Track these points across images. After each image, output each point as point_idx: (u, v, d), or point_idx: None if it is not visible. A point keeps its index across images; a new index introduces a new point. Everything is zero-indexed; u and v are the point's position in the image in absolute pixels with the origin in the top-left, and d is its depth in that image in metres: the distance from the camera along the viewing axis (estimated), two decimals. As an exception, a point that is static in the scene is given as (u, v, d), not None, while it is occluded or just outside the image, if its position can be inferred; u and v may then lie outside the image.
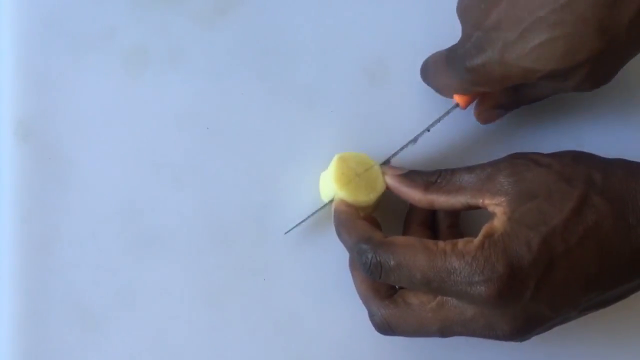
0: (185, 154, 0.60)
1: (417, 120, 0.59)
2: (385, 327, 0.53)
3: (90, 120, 0.60)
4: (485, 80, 0.53)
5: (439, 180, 0.53)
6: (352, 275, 0.55)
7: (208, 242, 0.58)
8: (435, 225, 0.58)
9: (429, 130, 0.58)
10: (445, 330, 0.51)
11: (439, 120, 0.58)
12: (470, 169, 0.53)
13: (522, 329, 0.50)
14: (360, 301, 0.57)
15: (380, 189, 0.56)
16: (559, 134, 0.60)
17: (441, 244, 0.49)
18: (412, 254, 0.49)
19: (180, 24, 0.61)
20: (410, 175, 0.55)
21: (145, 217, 0.59)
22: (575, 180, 0.49)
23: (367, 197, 0.56)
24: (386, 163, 0.58)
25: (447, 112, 0.58)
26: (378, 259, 0.50)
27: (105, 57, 0.60)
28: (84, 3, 0.61)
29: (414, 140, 0.58)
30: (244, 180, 0.59)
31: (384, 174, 0.56)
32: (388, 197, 0.56)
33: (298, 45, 0.61)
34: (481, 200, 0.51)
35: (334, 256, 0.58)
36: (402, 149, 0.58)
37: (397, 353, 0.58)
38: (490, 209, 0.51)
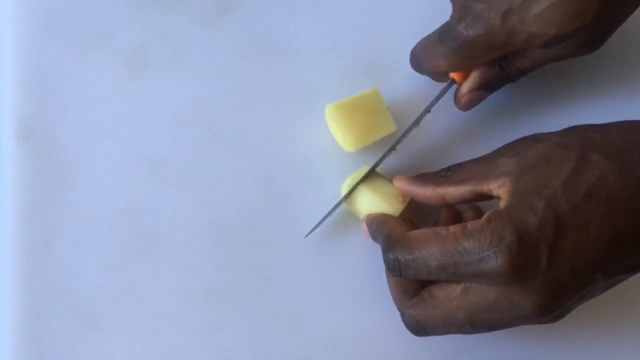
0: (186, 154, 0.59)
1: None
2: (416, 326, 0.53)
3: (91, 120, 0.60)
4: (484, 50, 0.54)
5: (448, 174, 0.54)
6: (387, 278, 0.55)
7: (209, 242, 0.58)
8: None
9: (429, 111, 0.58)
10: (472, 318, 0.50)
11: (437, 99, 0.58)
12: (476, 159, 0.53)
13: (547, 304, 0.49)
14: (361, 302, 0.58)
15: (399, 198, 0.57)
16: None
17: (451, 228, 0.50)
18: (425, 243, 0.50)
19: (181, 24, 0.61)
20: (420, 176, 0.56)
21: (146, 217, 0.58)
22: (572, 143, 0.50)
23: (393, 209, 0.56)
24: (392, 149, 0.58)
25: (445, 90, 0.58)
26: (395, 255, 0.51)
27: (106, 57, 0.60)
28: (85, 3, 0.61)
29: (416, 122, 0.58)
30: (245, 180, 0.59)
31: (394, 180, 0.57)
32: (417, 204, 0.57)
33: (298, 45, 0.61)
34: (486, 186, 0.51)
35: (335, 257, 0.58)
36: (406, 133, 0.58)
37: (400, 354, 0.58)
38: (495, 192, 0.51)
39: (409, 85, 0.61)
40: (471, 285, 0.50)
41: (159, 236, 0.58)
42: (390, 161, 0.59)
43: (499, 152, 0.52)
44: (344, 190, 0.58)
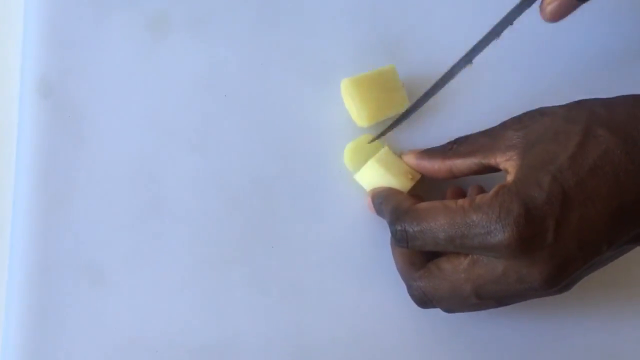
0: (202, 120, 0.60)
1: (435, 97, 0.59)
2: (422, 298, 0.53)
3: (111, 81, 0.60)
4: None
5: (455, 146, 0.54)
6: (392, 251, 0.56)
7: (218, 207, 0.59)
8: None
9: (511, 24, 0.55)
10: (479, 291, 0.51)
11: (521, 9, 0.54)
12: (482, 131, 0.54)
13: (554, 275, 0.49)
14: (365, 273, 0.58)
15: (409, 175, 0.57)
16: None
17: (460, 201, 0.50)
18: (433, 215, 0.51)
19: (204, -8, 0.62)
20: (428, 150, 0.56)
21: (159, 179, 0.59)
22: (579, 118, 0.50)
23: (401, 185, 0.57)
24: (469, 61, 0.56)
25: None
26: (403, 226, 0.52)
27: (128, 19, 0.61)
28: (110, -35, 0.62)
29: (497, 33, 0.55)
30: (257, 149, 0.60)
31: (402, 156, 0.57)
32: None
33: (318, 19, 0.62)
34: (493, 159, 0.52)
35: (341, 229, 0.59)
36: (484, 42, 0.55)
37: (403, 325, 0.58)
38: (502, 166, 0.52)
39: (426, 65, 0.61)
40: (479, 258, 0.51)
41: (170, 199, 0.59)
42: (406, 136, 0.59)
43: (505, 125, 0.53)
44: (346, 158, 0.58)
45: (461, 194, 0.56)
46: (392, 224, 0.53)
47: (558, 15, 0.55)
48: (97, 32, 0.61)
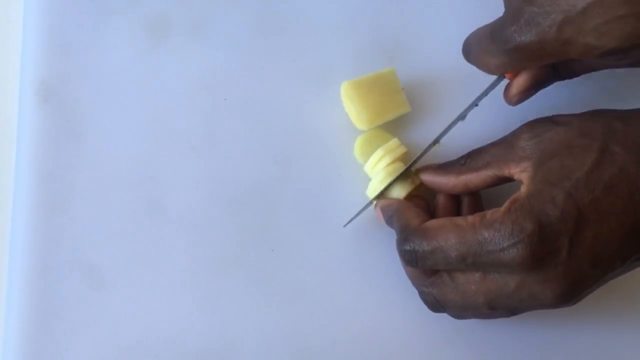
0: (201, 124, 0.60)
1: (435, 100, 0.59)
2: (435, 304, 0.53)
3: (110, 84, 0.60)
4: (537, 56, 0.51)
5: (468, 161, 0.54)
6: (401, 259, 0.55)
7: (218, 211, 0.59)
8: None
9: (477, 105, 0.56)
10: (492, 303, 0.51)
11: (486, 93, 0.56)
12: (494, 142, 0.53)
13: (566, 293, 0.49)
14: (365, 278, 0.58)
15: (413, 184, 0.57)
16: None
17: (470, 218, 0.50)
18: (444, 234, 0.50)
19: (204, -5, 0.62)
20: (442, 166, 0.56)
21: (159, 182, 0.59)
22: (595, 132, 0.49)
23: (401, 189, 0.57)
24: (436, 142, 0.57)
25: (494, 85, 0.55)
26: (412, 246, 0.51)
27: (128, 23, 0.61)
28: (111, -31, 0.62)
29: (462, 116, 0.56)
30: (257, 152, 0.60)
31: (416, 172, 0.57)
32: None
33: (318, 22, 0.62)
34: (507, 170, 0.51)
35: (341, 232, 0.59)
36: (451, 126, 0.56)
37: (405, 329, 0.58)
38: (517, 177, 0.51)
39: (426, 68, 0.61)
40: (491, 272, 0.50)
41: (170, 202, 0.59)
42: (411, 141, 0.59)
43: (516, 135, 0.52)
44: (357, 150, 0.59)
45: (454, 201, 0.56)
46: (400, 244, 0.52)
47: (520, 102, 0.56)
48: (97, 35, 0.61)
